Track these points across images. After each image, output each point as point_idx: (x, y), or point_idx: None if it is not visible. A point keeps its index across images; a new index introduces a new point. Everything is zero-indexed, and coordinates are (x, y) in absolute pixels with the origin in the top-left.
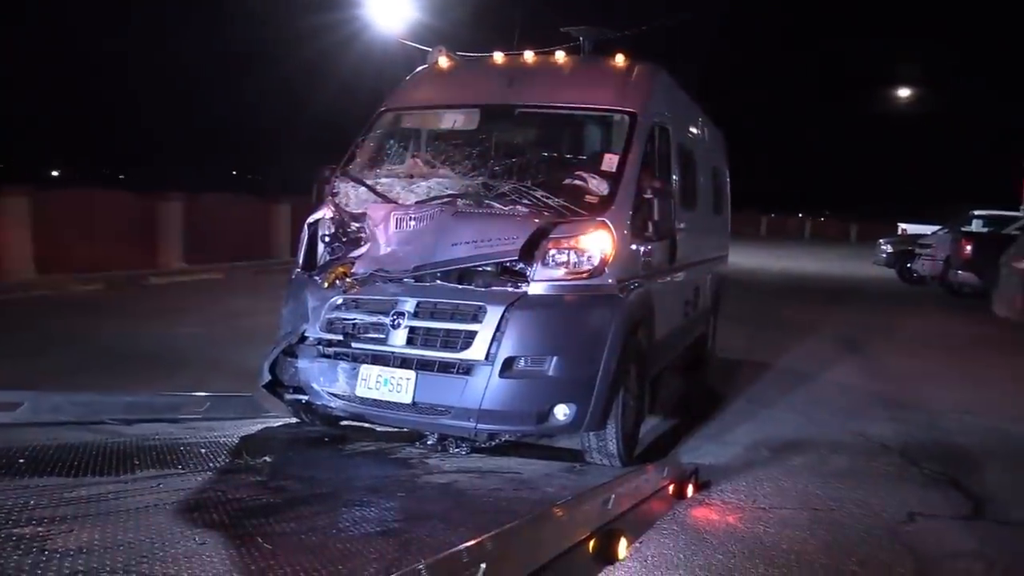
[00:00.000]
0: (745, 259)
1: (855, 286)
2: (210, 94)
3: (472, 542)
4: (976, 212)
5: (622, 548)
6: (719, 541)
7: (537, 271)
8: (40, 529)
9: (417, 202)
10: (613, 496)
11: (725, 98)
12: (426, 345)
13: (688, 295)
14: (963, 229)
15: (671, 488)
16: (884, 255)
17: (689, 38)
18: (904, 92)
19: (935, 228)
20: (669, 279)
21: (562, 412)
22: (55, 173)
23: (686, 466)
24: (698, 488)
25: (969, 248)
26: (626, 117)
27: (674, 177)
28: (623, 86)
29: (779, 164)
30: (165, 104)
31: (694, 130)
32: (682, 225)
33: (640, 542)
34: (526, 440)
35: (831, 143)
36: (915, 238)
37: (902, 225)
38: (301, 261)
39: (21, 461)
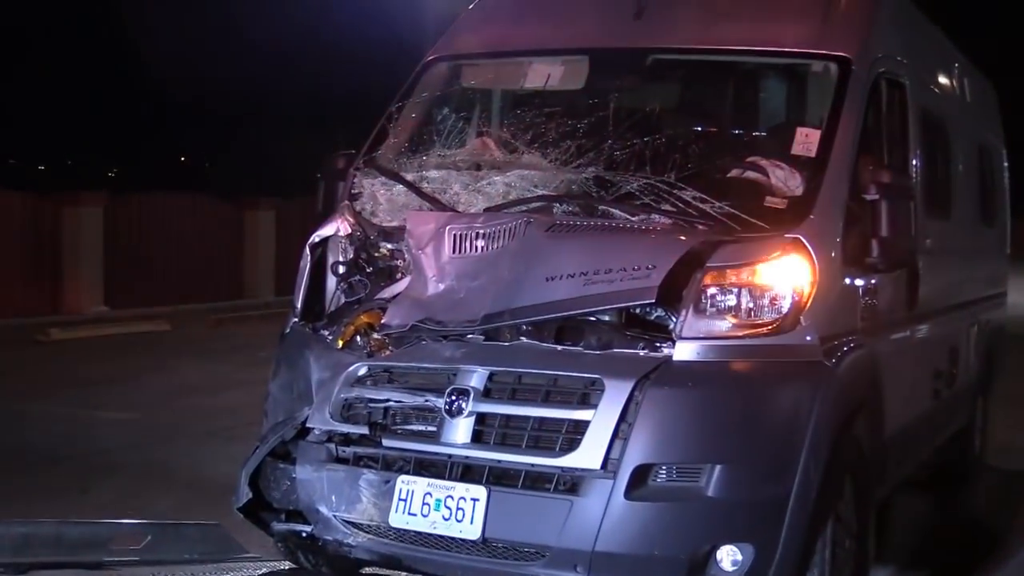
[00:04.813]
0: None
1: None
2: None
3: None
4: None
5: None
6: None
7: (687, 323)
8: None
9: (488, 208)
10: None
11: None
12: (504, 444)
13: (939, 362)
14: None
15: None
16: None
17: None
18: None
19: None
20: (907, 335)
21: (730, 558)
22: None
23: None
24: None
25: None
26: (833, 66)
27: (914, 164)
28: (826, 15)
29: None
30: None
31: (947, 84)
32: (928, 244)
33: None
34: None
35: None
36: None
37: None
38: (299, 305)
39: None
